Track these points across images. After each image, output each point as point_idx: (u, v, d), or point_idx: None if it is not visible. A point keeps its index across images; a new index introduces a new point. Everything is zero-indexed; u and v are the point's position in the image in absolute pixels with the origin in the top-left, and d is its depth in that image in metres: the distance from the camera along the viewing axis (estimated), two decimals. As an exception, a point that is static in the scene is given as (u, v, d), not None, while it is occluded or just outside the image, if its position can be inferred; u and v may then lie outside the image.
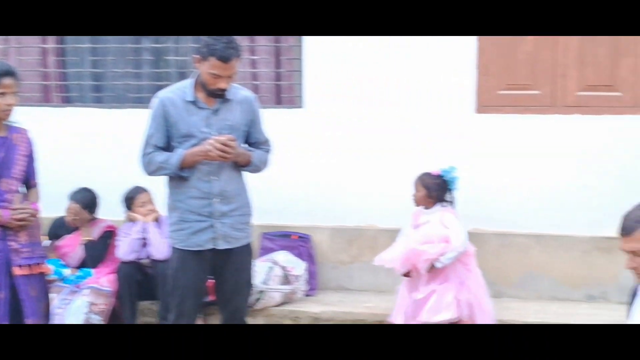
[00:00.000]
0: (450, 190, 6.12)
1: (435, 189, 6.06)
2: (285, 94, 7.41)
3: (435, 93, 6.91)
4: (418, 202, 6.14)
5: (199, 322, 5.85)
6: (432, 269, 5.83)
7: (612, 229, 3.71)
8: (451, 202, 6.14)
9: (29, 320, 4.62)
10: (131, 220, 6.55)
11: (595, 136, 6.69)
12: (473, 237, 6.49)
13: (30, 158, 4.80)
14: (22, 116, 4.82)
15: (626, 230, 3.63)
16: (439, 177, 6.10)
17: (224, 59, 4.68)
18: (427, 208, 6.10)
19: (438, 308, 5.80)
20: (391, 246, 6.10)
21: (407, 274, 5.96)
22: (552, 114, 6.81)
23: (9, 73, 4.58)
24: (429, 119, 6.93)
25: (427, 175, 6.10)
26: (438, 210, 6.06)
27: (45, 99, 7.77)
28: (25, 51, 7.76)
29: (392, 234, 6.61)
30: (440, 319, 5.75)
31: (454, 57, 6.83)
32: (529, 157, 6.81)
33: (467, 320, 5.83)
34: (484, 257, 6.55)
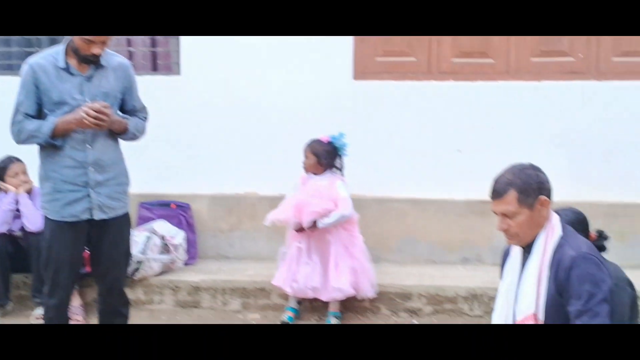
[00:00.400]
0: (340, 156, 6.17)
1: (325, 156, 6.08)
2: (161, 60, 7.32)
3: (313, 60, 6.91)
4: (308, 169, 6.15)
5: (75, 294, 5.74)
6: (315, 228, 5.90)
7: (486, 193, 3.76)
8: (340, 169, 6.19)
9: None
10: (3, 191, 6.34)
11: (469, 101, 6.80)
12: (352, 202, 6.54)
13: None
14: None
15: (497, 193, 3.73)
16: (329, 143, 6.12)
17: (97, 25, 4.57)
18: (316, 174, 6.11)
19: (338, 277, 5.97)
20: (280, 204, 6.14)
21: (300, 230, 5.98)
22: (427, 80, 6.90)
23: None
24: (308, 86, 6.91)
25: (317, 142, 6.11)
26: (328, 176, 6.09)
27: None
28: None
29: (272, 201, 6.64)
30: (340, 285, 5.94)
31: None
32: (406, 123, 6.87)
33: (352, 289, 5.94)
34: (364, 222, 6.61)
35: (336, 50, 6.89)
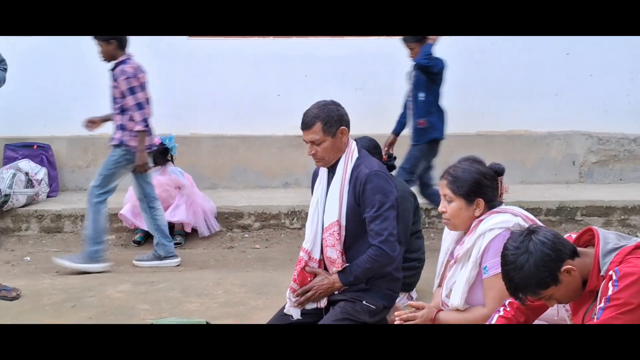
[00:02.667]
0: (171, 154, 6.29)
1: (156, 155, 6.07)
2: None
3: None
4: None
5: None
6: None
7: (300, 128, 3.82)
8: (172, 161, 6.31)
9: None
10: None
11: (286, 55, 6.83)
12: (191, 140, 6.50)
13: None
14: None
15: (306, 124, 3.75)
16: (161, 144, 6.14)
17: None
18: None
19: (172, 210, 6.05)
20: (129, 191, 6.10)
21: None
22: (250, 37, 6.82)
23: None
24: (143, 41, 6.74)
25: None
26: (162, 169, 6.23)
27: None
28: None
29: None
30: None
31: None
32: (236, 70, 6.84)
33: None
34: (201, 156, 6.57)
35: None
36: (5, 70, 4.77)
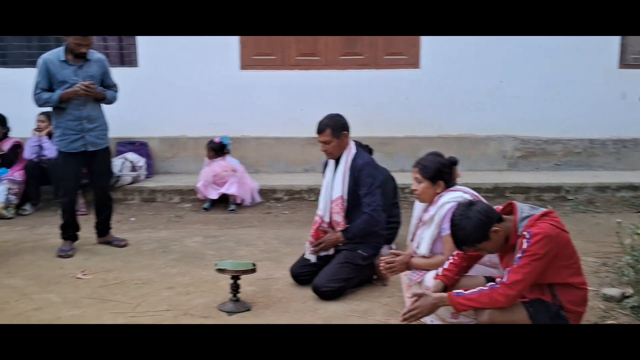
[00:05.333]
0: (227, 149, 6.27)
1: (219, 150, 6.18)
2: (126, 57, 6.93)
3: (220, 58, 6.74)
4: (209, 157, 6.21)
5: (80, 196, 5.49)
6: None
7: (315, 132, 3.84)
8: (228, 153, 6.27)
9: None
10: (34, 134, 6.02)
11: (307, 82, 6.79)
12: (241, 140, 6.48)
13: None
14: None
15: (319, 130, 3.81)
16: (220, 142, 6.19)
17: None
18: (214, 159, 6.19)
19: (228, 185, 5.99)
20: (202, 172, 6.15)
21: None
22: (283, 70, 6.84)
23: None
24: (218, 75, 6.76)
25: (211, 142, 6.20)
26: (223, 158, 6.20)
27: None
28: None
29: (195, 140, 6.65)
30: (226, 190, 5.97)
31: (227, 37, 6.65)
32: (272, 92, 6.81)
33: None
34: (248, 151, 6.58)
35: (230, 52, 6.74)
36: (116, 92, 4.76)
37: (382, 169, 4.15)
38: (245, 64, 6.81)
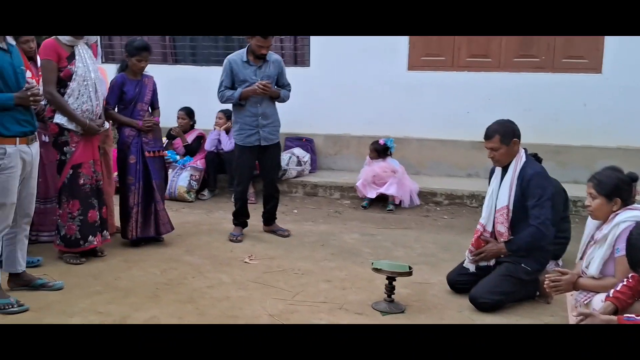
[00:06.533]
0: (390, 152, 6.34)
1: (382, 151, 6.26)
2: (299, 57, 7.29)
3: (388, 58, 6.81)
4: (371, 157, 6.29)
5: (251, 186, 5.87)
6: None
7: (482, 137, 3.74)
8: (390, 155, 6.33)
9: (154, 182, 4.67)
10: (215, 128, 6.59)
11: (476, 84, 6.62)
12: (403, 140, 6.48)
13: (154, 92, 4.76)
14: (150, 69, 4.76)
15: (488, 136, 3.70)
16: (384, 144, 6.25)
17: (264, 37, 4.63)
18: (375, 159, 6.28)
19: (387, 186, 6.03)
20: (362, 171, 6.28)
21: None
22: (452, 71, 6.74)
23: (147, 48, 4.53)
24: (383, 75, 6.84)
25: (376, 142, 6.29)
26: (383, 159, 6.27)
27: (163, 60, 7.66)
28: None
29: (359, 139, 6.78)
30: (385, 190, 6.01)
31: (396, 38, 6.70)
32: (437, 93, 6.74)
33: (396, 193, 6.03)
34: (410, 152, 6.56)
35: (397, 53, 6.79)
36: (289, 91, 5.04)
37: (552, 180, 3.93)
38: (413, 65, 6.81)
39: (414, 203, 6.13)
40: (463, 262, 3.89)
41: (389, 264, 3.70)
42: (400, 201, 6.09)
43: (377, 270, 3.65)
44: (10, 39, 3.52)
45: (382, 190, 6.03)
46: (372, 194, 6.08)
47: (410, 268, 3.66)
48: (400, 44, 6.75)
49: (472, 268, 3.81)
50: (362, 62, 6.87)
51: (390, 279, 3.63)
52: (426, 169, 6.86)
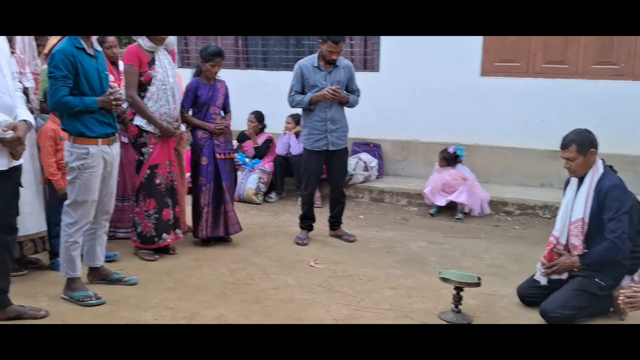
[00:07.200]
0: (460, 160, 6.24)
1: (451, 160, 6.18)
2: (369, 63, 7.32)
3: (461, 64, 6.74)
4: (440, 166, 6.22)
5: (317, 190, 5.93)
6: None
7: (558, 146, 3.64)
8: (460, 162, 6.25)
9: (224, 183, 4.80)
10: (284, 132, 6.73)
11: (552, 91, 6.44)
12: (473, 147, 6.37)
13: (226, 96, 4.90)
14: (223, 74, 4.91)
15: (564, 145, 3.61)
16: (454, 152, 6.18)
17: (336, 42, 4.70)
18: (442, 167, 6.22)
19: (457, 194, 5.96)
20: (431, 178, 6.22)
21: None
22: (526, 77, 6.58)
23: (220, 54, 4.68)
24: (455, 80, 6.77)
25: (445, 151, 6.21)
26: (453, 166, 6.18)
27: (236, 65, 7.86)
28: (223, 37, 7.84)
29: (426, 145, 6.72)
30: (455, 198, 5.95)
31: (470, 42, 6.63)
32: (515, 104, 6.62)
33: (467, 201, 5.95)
34: (480, 160, 6.46)
35: (471, 57, 6.70)
36: (358, 96, 5.06)
37: (630, 193, 3.78)
38: (486, 70, 6.70)
39: (484, 212, 6.02)
40: (534, 275, 3.80)
41: (457, 274, 3.66)
42: (470, 210, 5.99)
43: (444, 279, 3.62)
44: (96, 45, 3.74)
45: (452, 197, 5.96)
46: (441, 202, 6.02)
47: (479, 279, 3.61)
48: (474, 49, 6.66)
49: (543, 281, 3.72)
50: (433, 67, 6.82)
51: (458, 289, 3.59)
52: (497, 177, 6.72)
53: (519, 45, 6.53)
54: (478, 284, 3.59)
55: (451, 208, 6.05)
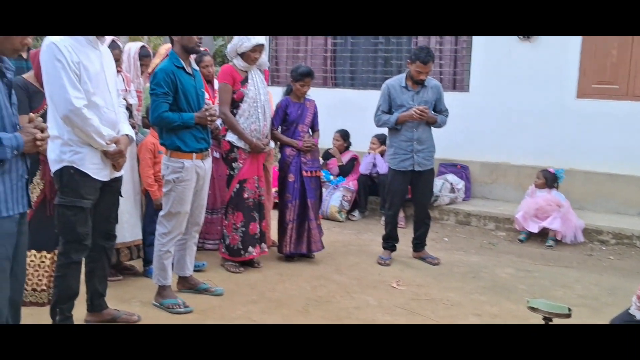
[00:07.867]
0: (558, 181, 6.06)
1: (551, 181, 6.01)
2: (458, 83, 7.25)
3: (555, 85, 6.54)
4: (537, 186, 6.04)
5: (401, 210, 5.89)
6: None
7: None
8: (557, 187, 6.05)
9: (309, 200, 4.89)
10: (369, 152, 6.77)
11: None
12: (568, 172, 6.17)
13: (314, 115, 5.01)
14: (312, 93, 5.04)
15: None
16: (554, 174, 6.02)
17: (424, 62, 4.70)
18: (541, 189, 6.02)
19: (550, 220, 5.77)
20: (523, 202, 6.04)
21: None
22: (626, 100, 6.30)
23: (310, 74, 4.81)
24: (549, 102, 6.58)
25: (546, 171, 6.04)
26: (548, 191, 5.99)
27: (324, 84, 8.01)
28: (312, 57, 8.02)
29: (518, 168, 6.60)
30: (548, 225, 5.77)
31: (565, 63, 6.42)
32: (613, 128, 6.35)
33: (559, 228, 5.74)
34: (575, 185, 6.23)
35: (567, 80, 6.48)
36: (446, 116, 5.03)
37: None
38: (583, 92, 6.46)
39: (577, 240, 5.76)
40: (629, 309, 3.59)
41: (546, 304, 3.52)
42: (562, 237, 5.76)
43: (532, 309, 3.48)
44: (194, 64, 3.95)
45: (545, 224, 5.75)
46: (533, 228, 5.81)
47: (569, 310, 3.45)
48: (570, 70, 6.45)
49: (639, 316, 3.50)
50: (526, 88, 6.66)
51: (547, 319, 3.45)
52: (591, 204, 6.44)
53: (617, 67, 6.27)
54: (568, 315, 3.43)
55: (542, 235, 5.83)
